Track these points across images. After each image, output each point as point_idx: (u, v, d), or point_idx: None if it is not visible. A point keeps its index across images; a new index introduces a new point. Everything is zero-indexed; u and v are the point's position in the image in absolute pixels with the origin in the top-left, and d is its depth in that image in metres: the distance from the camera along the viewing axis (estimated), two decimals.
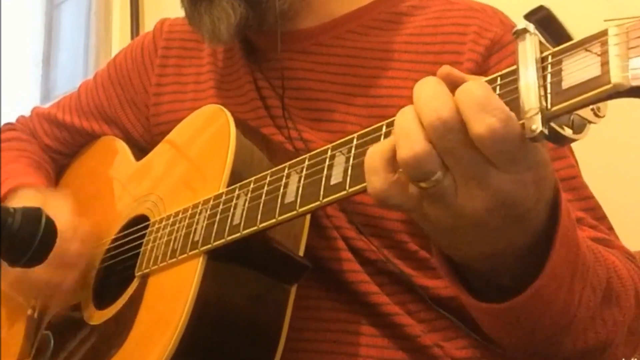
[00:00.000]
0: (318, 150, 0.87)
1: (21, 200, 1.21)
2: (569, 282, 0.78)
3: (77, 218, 1.19)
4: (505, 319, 0.79)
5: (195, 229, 1.00)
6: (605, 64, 0.61)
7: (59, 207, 1.18)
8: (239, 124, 1.06)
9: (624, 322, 0.89)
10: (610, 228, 1.05)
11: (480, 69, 1.06)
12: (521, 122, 0.66)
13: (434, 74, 0.71)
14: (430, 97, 0.67)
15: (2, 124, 1.48)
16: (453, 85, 0.69)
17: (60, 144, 1.43)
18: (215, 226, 0.97)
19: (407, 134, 0.68)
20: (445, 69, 0.71)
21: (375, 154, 0.71)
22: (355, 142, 0.81)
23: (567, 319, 0.81)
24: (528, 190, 0.69)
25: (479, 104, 0.65)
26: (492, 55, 1.07)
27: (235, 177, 1.00)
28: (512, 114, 0.65)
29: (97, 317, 1.13)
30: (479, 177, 0.67)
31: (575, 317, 0.82)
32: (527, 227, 0.73)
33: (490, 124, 0.64)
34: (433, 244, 0.81)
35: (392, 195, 0.70)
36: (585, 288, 0.82)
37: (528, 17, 0.69)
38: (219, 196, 1.00)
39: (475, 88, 0.66)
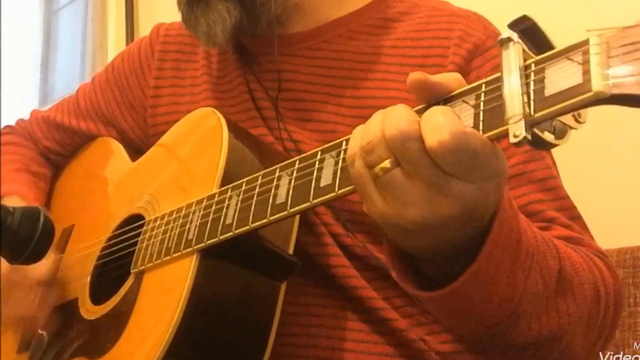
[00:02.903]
0: (308, 153, 0.87)
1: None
2: (510, 266, 0.79)
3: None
4: (449, 304, 0.79)
5: (189, 228, 0.99)
6: (586, 72, 0.61)
7: None
8: (231, 126, 1.05)
9: (579, 313, 0.88)
10: (584, 228, 1.04)
11: (462, 72, 1.05)
12: (505, 127, 0.66)
13: None
14: (394, 116, 0.72)
15: (2, 125, 1.47)
16: (426, 90, 0.73)
17: (58, 146, 1.42)
18: (209, 225, 0.96)
19: (368, 128, 0.74)
20: (416, 75, 0.73)
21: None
22: (344, 146, 0.81)
23: (512, 304, 0.81)
24: (489, 198, 0.73)
25: (434, 121, 0.69)
26: (474, 59, 1.07)
27: (228, 178, 1.00)
28: (468, 130, 0.68)
29: (94, 312, 1.12)
30: (439, 185, 0.70)
31: (521, 302, 0.81)
32: (481, 223, 0.75)
33: (440, 137, 0.68)
34: (386, 240, 0.82)
35: (356, 173, 0.75)
36: (530, 274, 0.82)
37: (512, 26, 0.68)
38: (212, 196, 0.99)
39: (435, 111, 0.70)
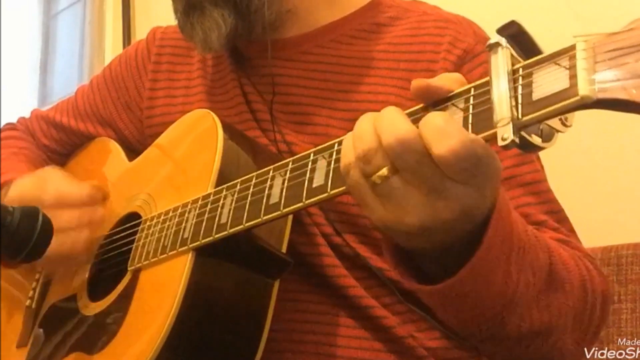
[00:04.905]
0: (301, 154, 0.86)
1: (16, 189, 1.19)
2: (505, 260, 0.78)
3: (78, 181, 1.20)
4: (448, 298, 0.79)
5: (185, 226, 0.99)
6: (573, 77, 0.61)
7: (57, 178, 1.19)
8: (226, 127, 1.05)
9: (568, 307, 0.88)
10: (571, 230, 1.04)
11: None
12: (493, 130, 0.65)
13: (410, 81, 0.73)
14: (388, 122, 0.70)
15: (1, 126, 1.46)
16: (430, 95, 0.71)
17: (56, 144, 1.41)
18: (204, 224, 0.96)
19: (361, 136, 0.71)
20: (419, 82, 0.72)
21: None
22: (336, 147, 0.81)
23: (507, 297, 0.80)
24: (486, 198, 0.72)
25: (440, 129, 0.67)
26: (465, 64, 1.06)
27: (223, 178, 0.99)
28: (473, 137, 0.67)
29: (92, 308, 1.12)
30: (439, 191, 0.69)
31: (514, 295, 0.81)
32: (477, 221, 0.75)
33: (451, 145, 0.66)
34: (384, 239, 0.81)
35: (353, 182, 0.73)
36: (523, 268, 0.81)
37: (500, 31, 0.68)
38: (207, 196, 0.98)
39: (435, 117, 0.68)
